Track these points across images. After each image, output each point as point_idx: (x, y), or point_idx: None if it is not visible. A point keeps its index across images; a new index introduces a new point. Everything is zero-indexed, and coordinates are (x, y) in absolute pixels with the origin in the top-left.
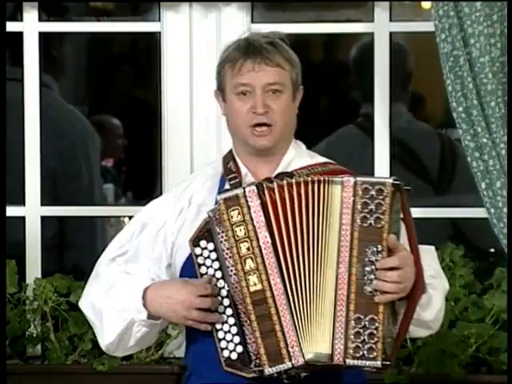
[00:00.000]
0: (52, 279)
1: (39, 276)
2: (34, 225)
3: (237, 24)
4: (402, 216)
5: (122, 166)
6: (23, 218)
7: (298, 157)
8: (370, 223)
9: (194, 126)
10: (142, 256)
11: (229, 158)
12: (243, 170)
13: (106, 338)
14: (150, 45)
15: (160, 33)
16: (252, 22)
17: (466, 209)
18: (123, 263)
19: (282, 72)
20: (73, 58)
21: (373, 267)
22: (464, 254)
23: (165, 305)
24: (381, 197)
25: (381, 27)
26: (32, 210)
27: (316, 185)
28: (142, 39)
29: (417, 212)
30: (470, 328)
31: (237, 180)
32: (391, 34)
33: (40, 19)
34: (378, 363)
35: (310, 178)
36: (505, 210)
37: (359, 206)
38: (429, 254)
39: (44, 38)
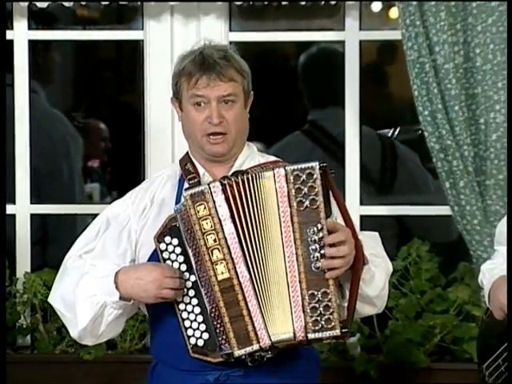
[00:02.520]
0: (41, 273)
1: (28, 270)
2: (24, 222)
3: (215, 32)
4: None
5: (108, 167)
6: (14, 216)
7: (250, 157)
8: (306, 206)
9: (176, 128)
10: (109, 252)
11: (186, 160)
12: (201, 170)
13: (79, 324)
14: (134, 52)
15: (143, 40)
16: (230, 30)
17: (429, 206)
18: (90, 259)
19: (234, 84)
20: (60, 65)
21: (316, 245)
22: (429, 249)
23: (136, 285)
24: (311, 180)
25: (351, 35)
26: (22, 209)
27: (251, 180)
28: (127, 47)
29: (383, 210)
30: (435, 319)
31: (196, 180)
32: (361, 42)
33: (29, 28)
34: (338, 331)
35: (251, 174)
36: (468, 207)
37: (293, 192)
38: (373, 239)
39: (32, 45)
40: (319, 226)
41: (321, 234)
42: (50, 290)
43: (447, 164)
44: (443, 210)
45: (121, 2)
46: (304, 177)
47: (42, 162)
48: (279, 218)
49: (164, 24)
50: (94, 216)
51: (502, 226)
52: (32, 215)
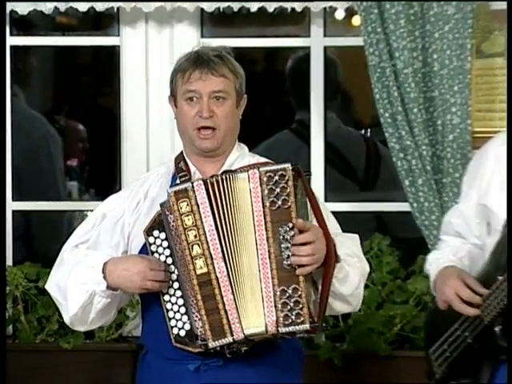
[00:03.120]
0: (22, 267)
1: (10, 264)
2: (6, 218)
3: (188, 38)
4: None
5: (86, 166)
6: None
7: (240, 157)
8: (279, 206)
9: (150, 129)
10: (102, 243)
11: (180, 158)
12: (192, 168)
13: (70, 310)
14: (110, 57)
15: (119, 46)
16: (202, 36)
17: (391, 203)
18: (85, 249)
19: (226, 81)
20: (40, 69)
21: (288, 244)
22: (390, 244)
23: (123, 276)
24: (283, 181)
25: (316, 42)
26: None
27: (227, 180)
28: (104, 52)
29: (346, 206)
30: (395, 309)
31: (186, 177)
32: (325, 47)
33: (11, 34)
34: (307, 326)
35: (226, 175)
36: (426, 204)
37: (266, 193)
38: (352, 240)
39: (13, 50)
40: (290, 224)
41: (292, 233)
42: (31, 282)
43: (406, 163)
44: (403, 207)
45: (98, 10)
46: (276, 178)
47: (24, 160)
48: (253, 218)
49: (139, 30)
50: (72, 212)
51: (449, 217)
52: (14, 211)
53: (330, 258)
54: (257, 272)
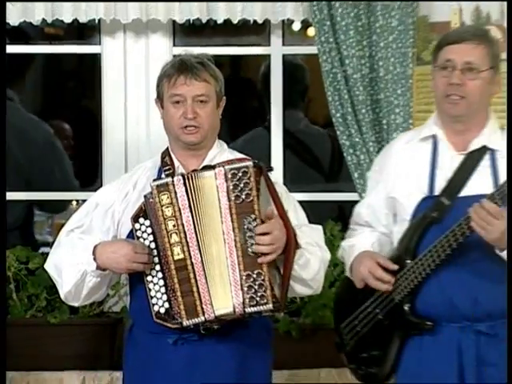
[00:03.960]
0: (14, 250)
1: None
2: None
3: (161, 47)
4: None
5: (71, 160)
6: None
7: (220, 153)
8: (242, 199)
9: (127, 127)
10: (95, 229)
11: (165, 153)
12: (176, 163)
13: (64, 288)
14: (92, 64)
15: (100, 54)
16: (174, 45)
17: (344, 193)
18: (79, 234)
19: (208, 86)
20: (30, 76)
21: (251, 233)
22: (341, 229)
23: (111, 258)
24: (246, 177)
25: (275, 50)
26: None
27: (197, 178)
28: (86, 59)
29: (309, 196)
30: None
31: (171, 171)
32: (284, 55)
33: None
34: (270, 306)
35: (196, 173)
36: None
37: (231, 188)
38: (315, 231)
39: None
40: (253, 216)
41: (255, 223)
42: (22, 264)
43: (356, 158)
44: (352, 197)
45: (81, 21)
46: (240, 174)
47: (29, 156)
48: (220, 210)
49: (118, 40)
50: (59, 202)
51: (359, 208)
52: (8, 201)
53: (290, 246)
54: (225, 259)
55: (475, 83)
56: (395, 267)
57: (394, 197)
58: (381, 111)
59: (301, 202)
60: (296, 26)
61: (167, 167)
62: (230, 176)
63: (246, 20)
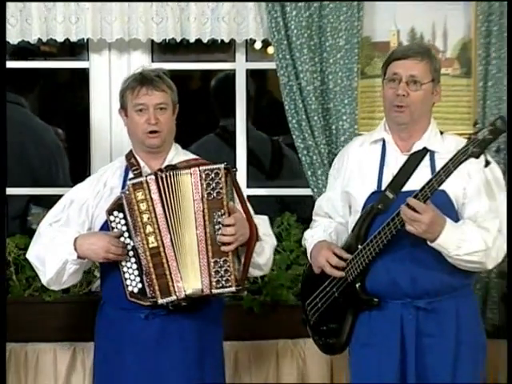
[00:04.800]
0: (14, 238)
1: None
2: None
3: (141, 63)
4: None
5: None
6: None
7: (177, 154)
8: (214, 196)
9: (112, 131)
10: (71, 222)
11: (130, 155)
12: (141, 163)
13: (47, 275)
14: (82, 77)
15: (88, 68)
16: (152, 61)
17: (298, 189)
18: (58, 227)
19: (165, 95)
20: (33, 86)
21: (220, 226)
22: (296, 220)
23: (90, 249)
24: (218, 177)
25: (240, 66)
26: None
27: (174, 176)
28: (77, 73)
29: (263, 191)
30: (300, 269)
31: (138, 171)
32: (247, 70)
33: None
34: (233, 288)
35: (173, 171)
36: (323, 189)
37: (205, 186)
38: (264, 221)
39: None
40: (222, 211)
41: (223, 217)
42: (21, 250)
43: (309, 158)
44: (306, 192)
45: (72, 40)
46: (212, 175)
47: (39, 158)
48: (194, 205)
49: (104, 56)
50: (53, 196)
51: (320, 201)
52: (9, 196)
53: (252, 238)
54: (196, 247)
55: (418, 94)
56: (348, 256)
57: (348, 191)
58: (330, 118)
59: (260, 197)
60: (257, 45)
61: (134, 167)
62: (204, 176)
63: (215, 39)
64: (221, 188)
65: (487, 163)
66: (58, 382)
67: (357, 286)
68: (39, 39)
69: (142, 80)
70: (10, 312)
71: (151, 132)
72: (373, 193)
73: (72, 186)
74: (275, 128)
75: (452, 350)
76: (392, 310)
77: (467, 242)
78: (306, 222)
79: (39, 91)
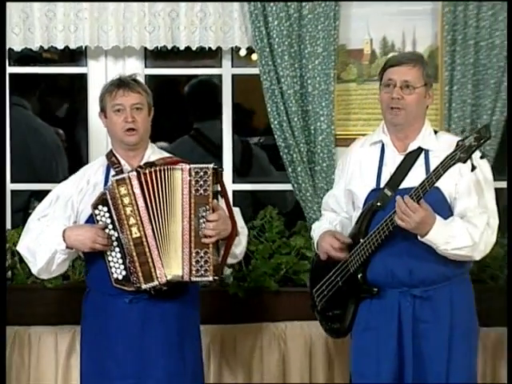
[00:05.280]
0: (17, 229)
1: (9, 228)
2: (6, 196)
3: (135, 68)
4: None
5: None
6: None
7: (154, 153)
8: (201, 193)
9: None
10: (58, 216)
11: (110, 154)
12: (122, 161)
13: (38, 264)
14: (81, 81)
15: (87, 74)
16: (145, 67)
17: (280, 184)
18: (46, 221)
19: (141, 96)
20: (35, 90)
21: (203, 220)
22: (278, 212)
23: (77, 240)
24: (206, 176)
25: (226, 71)
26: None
27: (166, 171)
28: (76, 78)
29: (248, 186)
30: (282, 258)
31: (119, 168)
32: (233, 75)
33: (9, 65)
34: (211, 278)
35: (163, 167)
36: (303, 185)
37: (193, 183)
38: (238, 214)
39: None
40: (207, 207)
41: (208, 212)
42: None
43: (289, 156)
44: (287, 187)
45: (71, 48)
46: (201, 173)
47: (40, 156)
48: (182, 199)
49: (100, 62)
50: None
51: (326, 198)
52: (12, 191)
53: (232, 234)
54: (180, 237)
55: (412, 97)
56: (349, 240)
57: (350, 189)
58: (309, 119)
59: (246, 192)
60: (242, 52)
61: (115, 165)
62: (193, 173)
63: (203, 47)
64: (208, 186)
65: (473, 167)
66: (59, 362)
67: (358, 276)
68: (41, 47)
69: (119, 83)
70: (15, 298)
71: (128, 130)
72: (372, 190)
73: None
74: (243, 130)
75: (446, 335)
76: (390, 298)
77: (455, 238)
78: (286, 214)
79: (41, 94)
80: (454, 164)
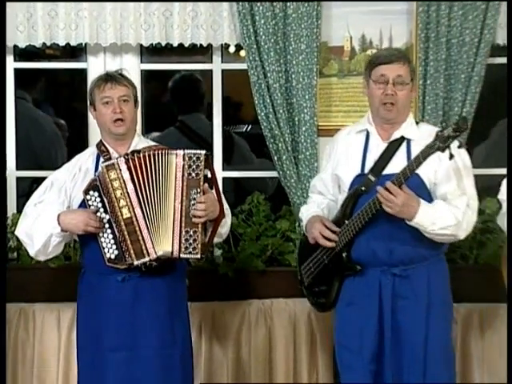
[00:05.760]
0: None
1: (15, 212)
2: (12, 181)
3: (132, 64)
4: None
5: (66, 146)
6: (4, 178)
7: (140, 142)
8: (193, 176)
9: None
10: (53, 202)
11: (100, 144)
12: (110, 150)
13: (35, 247)
14: (81, 76)
15: (86, 69)
16: (141, 62)
17: (266, 172)
18: (41, 207)
19: (127, 89)
20: (38, 85)
21: (194, 201)
22: (265, 198)
23: (71, 223)
24: (198, 161)
25: (216, 66)
26: (10, 173)
27: (161, 154)
28: (76, 73)
29: (236, 174)
30: (268, 240)
31: (108, 156)
32: (223, 70)
33: (14, 60)
34: (198, 256)
35: (156, 151)
36: (288, 172)
37: (186, 167)
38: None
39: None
40: (198, 189)
41: (198, 195)
42: None
43: (275, 145)
44: (273, 174)
45: (72, 44)
46: (194, 158)
47: (40, 146)
48: (175, 182)
49: (99, 58)
50: None
51: (314, 181)
52: (18, 178)
53: (220, 215)
54: (172, 217)
55: (403, 93)
56: (337, 229)
57: (337, 174)
58: (293, 111)
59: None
60: (231, 49)
61: (104, 153)
62: (187, 158)
63: (195, 44)
64: (200, 170)
65: (451, 156)
66: (62, 336)
67: (343, 255)
68: (44, 43)
69: (106, 78)
70: (20, 277)
71: (116, 120)
72: (357, 175)
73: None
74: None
75: (424, 310)
76: (372, 276)
77: (441, 219)
78: (272, 199)
79: (44, 88)
80: (433, 153)
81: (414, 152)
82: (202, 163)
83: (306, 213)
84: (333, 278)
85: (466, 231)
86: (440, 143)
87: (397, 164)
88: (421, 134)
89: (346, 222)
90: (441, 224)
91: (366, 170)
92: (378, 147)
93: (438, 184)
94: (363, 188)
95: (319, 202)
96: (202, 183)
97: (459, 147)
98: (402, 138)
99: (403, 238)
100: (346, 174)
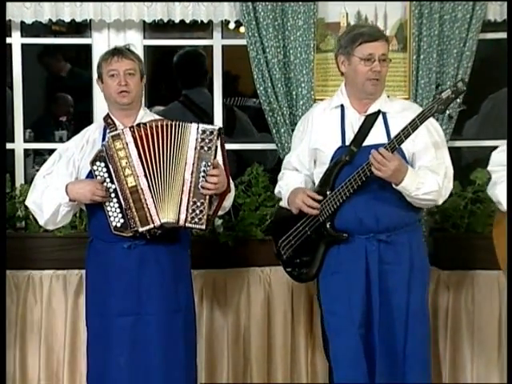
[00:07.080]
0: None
1: (23, 182)
2: (20, 153)
3: (135, 40)
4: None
5: (72, 121)
6: (13, 150)
7: (146, 115)
8: (204, 149)
9: None
10: (61, 173)
11: (107, 116)
12: (117, 122)
13: (44, 216)
14: (86, 51)
15: (91, 44)
16: (144, 38)
17: (265, 144)
18: (50, 178)
19: (133, 63)
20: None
21: (204, 174)
22: (263, 169)
23: (79, 193)
24: (211, 136)
25: (217, 42)
26: (18, 145)
27: (175, 126)
28: (82, 48)
29: (236, 146)
30: (267, 210)
31: (114, 128)
32: (223, 46)
33: (22, 36)
34: (203, 227)
35: (170, 123)
36: (286, 144)
37: (200, 140)
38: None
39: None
40: (209, 163)
41: (208, 168)
42: None
43: (274, 118)
44: (271, 146)
45: (77, 21)
46: (208, 133)
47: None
48: (187, 154)
49: (104, 34)
50: None
51: (288, 158)
52: (25, 149)
53: (227, 190)
54: (180, 187)
55: (385, 69)
56: (320, 198)
57: (316, 147)
58: (291, 86)
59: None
60: (231, 25)
61: (111, 126)
62: (200, 132)
63: (196, 20)
64: (212, 144)
65: (450, 117)
66: (68, 302)
67: (327, 225)
68: (50, 20)
69: (113, 52)
70: (29, 245)
71: (121, 92)
72: (339, 148)
73: None
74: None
75: (406, 273)
76: (358, 243)
77: (424, 184)
78: (271, 171)
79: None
80: (431, 115)
81: (391, 124)
82: (215, 138)
83: (285, 187)
84: (316, 249)
85: (444, 197)
86: (439, 106)
87: (376, 136)
88: (394, 108)
89: (329, 192)
90: (424, 189)
91: (347, 142)
92: (356, 120)
93: (417, 154)
94: (347, 158)
95: (296, 178)
96: (213, 157)
97: (449, 119)
98: (379, 111)
99: (388, 205)
100: (326, 146)
